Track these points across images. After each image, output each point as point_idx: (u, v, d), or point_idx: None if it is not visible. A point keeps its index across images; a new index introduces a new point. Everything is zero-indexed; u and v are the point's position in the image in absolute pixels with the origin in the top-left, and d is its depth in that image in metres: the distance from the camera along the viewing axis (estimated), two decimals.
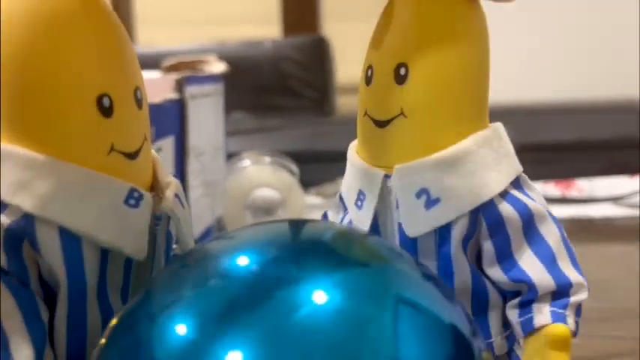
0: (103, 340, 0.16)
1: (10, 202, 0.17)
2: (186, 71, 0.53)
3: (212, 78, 0.53)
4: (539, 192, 0.20)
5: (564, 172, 0.67)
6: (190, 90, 0.47)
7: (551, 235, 0.19)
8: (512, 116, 0.78)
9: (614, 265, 0.46)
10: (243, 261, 0.16)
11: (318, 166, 0.61)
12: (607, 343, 0.32)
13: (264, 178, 0.50)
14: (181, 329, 0.15)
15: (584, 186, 0.64)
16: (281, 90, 1.12)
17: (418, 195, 0.19)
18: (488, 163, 0.19)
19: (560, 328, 0.18)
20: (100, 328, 0.18)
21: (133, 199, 0.18)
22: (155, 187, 0.20)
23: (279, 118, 0.90)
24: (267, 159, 0.52)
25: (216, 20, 1.67)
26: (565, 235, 0.20)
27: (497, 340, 0.20)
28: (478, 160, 0.19)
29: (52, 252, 0.17)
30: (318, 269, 0.16)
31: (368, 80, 0.20)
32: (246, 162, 0.51)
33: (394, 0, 0.20)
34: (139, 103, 0.19)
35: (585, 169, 0.68)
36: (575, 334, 0.19)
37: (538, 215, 0.19)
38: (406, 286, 0.16)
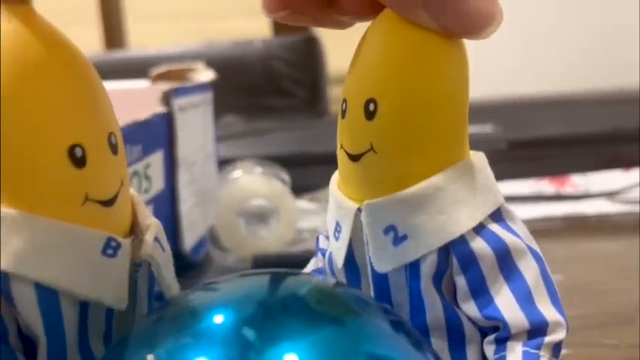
0: None
1: None
2: (175, 80, 0.52)
3: (201, 87, 0.53)
4: (521, 224, 0.20)
5: (558, 168, 0.67)
6: (178, 102, 0.46)
7: (529, 270, 0.19)
8: (503, 112, 0.78)
9: (607, 264, 0.46)
10: (218, 319, 0.16)
11: (311, 170, 0.60)
12: (598, 353, 0.31)
13: (256, 188, 0.49)
14: None
15: (579, 182, 0.64)
16: (272, 90, 1.11)
17: (386, 231, 0.19)
18: (460, 199, 0.19)
19: None
20: None
21: (110, 248, 0.18)
22: (135, 230, 0.19)
23: (271, 120, 0.89)
24: (259, 169, 0.51)
25: (205, 15, 1.66)
26: (547, 270, 0.20)
27: None
28: (447, 197, 0.19)
29: (28, 308, 0.17)
30: (293, 330, 0.15)
31: (343, 114, 0.20)
32: (238, 172, 0.51)
33: (367, 34, 0.20)
34: (113, 148, 0.18)
35: (579, 163, 0.68)
36: None
37: (515, 250, 0.19)
38: (377, 342, 0.16)
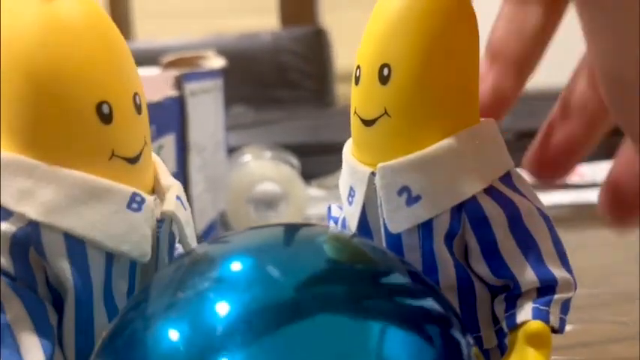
0: (100, 341, 0.17)
1: (15, 209, 0.17)
2: (185, 67, 0.53)
3: (211, 73, 0.53)
4: (530, 188, 0.21)
5: None
6: (190, 86, 0.47)
7: (539, 232, 0.20)
8: None
9: (614, 251, 0.46)
10: (238, 265, 0.17)
11: (320, 158, 0.61)
12: (608, 328, 0.32)
13: (266, 172, 0.50)
14: (174, 335, 0.15)
15: (586, 171, 0.64)
16: (280, 82, 1.12)
17: (400, 193, 0.20)
18: (472, 161, 0.19)
19: (536, 325, 0.19)
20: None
21: (135, 203, 0.18)
22: (157, 190, 0.20)
23: (279, 111, 0.90)
24: (268, 153, 0.52)
25: (214, 12, 1.67)
26: (556, 232, 0.20)
27: (486, 334, 0.20)
28: (460, 159, 0.19)
29: (58, 258, 0.18)
30: (313, 271, 0.16)
31: (357, 80, 0.21)
32: (248, 157, 0.52)
33: (380, 1, 0.20)
34: (138, 108, 0.19)
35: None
36: (559, 330, 0.19)
37: (525, 212, 0.20)
38: (396, 287, 0.17)
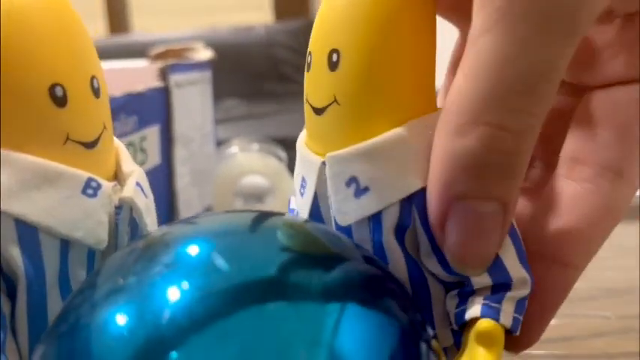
0: (48, 327, 0.16)
1: None
2: (173, 59, 0.52)
3: (199, 65, 0.53)
4: None
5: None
6: (175, 78, 0.46)
7: None
8: None
9: (608, 245, 0.46)
10: (193, 250, 0.16)
11: None
12: (591, 323, 0.32)
13: (253, 164, 0.50)
14: (118, 321, 0.14)
15: None
16: (273, 76, 1.12)
17: (348, 183, 0.19)
18: (423, 151, 0.18)
19: (485, 324, 0.18)
20: None
21: (90, 188, 0.18)
22: (118, 176, 0.20)
23: (271, 104, 0.90)
24: (256, 146, 0.52)
25: (208, 8, 1.67)
26: (515, 228, 0.19)
27: (442, 332, 0.19)
28: (410, 149, 0.18)
29: (8, 244, 0.17)
30: (265, 260, 0.15)
31: (308, 66, 0.20)
32: (235, 149, 0.51)
33: None
34: (95, 92, 0.19)
35: None
36: (512, 330, 0.18)
37: None
38: (349, 270, 0.16)
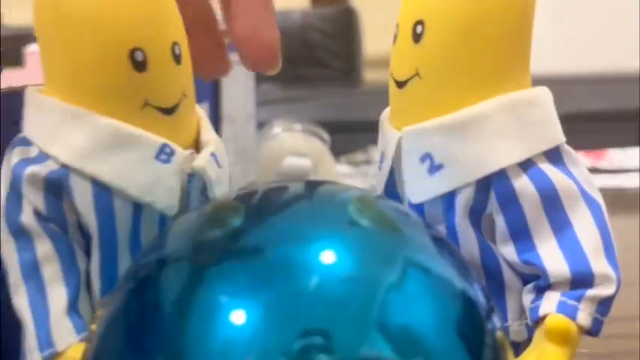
0: (118, 283, 0.17)
1: (49, 152, 0.18)
2: None
3: None
4: (584, 169, 0.18)
5: (596, 143, 0.66)
6: None
7: (580, 217, 0.17)
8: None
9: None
10: (254, 216, 0.16)
11: (346, 136, 0.61)
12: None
13: (296, 145, 0.50)
14: (184, 280, 0.14)
15: (616, 156, 0.64)
16: (309, 61, 1.12)
17: (422, 159, 0.18)
18: (507, 131, 0.18)
19: (558, 320, 0.17)
20: None
21: (164, 154, 0.18)
22: (198, 145, 0.20)
23: (306, 89, 0.90)
24: (298, 126, 0.52)
25: None
26: (605, 221, 0.18)
27: (514, 325, 0.18)
28: (492, 127, 0.17)
29: (84, 202, 0.18)
30: (329, 230, 0.15)
31: (394, 39, 0.19)
32: (277, 129, 0.52)
33: None
34: (176, 58, 0.19)
35: (617, 139, 0.67)
36: (592, 331, 0.17)
37: (566, 194, 0.17)
38: (416, 251, 0.15)
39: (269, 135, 0.51)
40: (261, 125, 0.56)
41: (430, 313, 0.14)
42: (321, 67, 1.12)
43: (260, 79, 0.61)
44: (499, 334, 0.16)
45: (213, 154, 0.19)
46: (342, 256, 0.14)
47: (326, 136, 0.51)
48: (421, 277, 0.15)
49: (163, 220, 0.19)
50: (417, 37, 0.18)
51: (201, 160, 0.19)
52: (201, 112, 0.21)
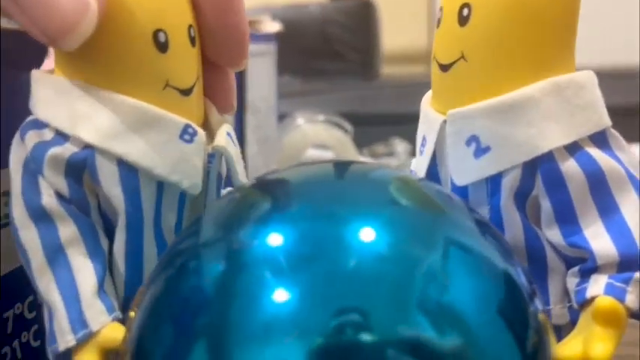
0: (152, 271, 0.17)
1: (71, 133, 0.17)
2: None
3: (266, 37, 0.54)
4: (629, 152, 0.18)
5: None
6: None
7: (627, 200, 0.17)
8: None
9: None
10: (294, 198, 0.16)
11: (364, 129, 0.61)
12: None
13: (319, 135, 0.50)
14: (226, 263, 0.14)
15: (637, 151, 0.63)
16: (327, 53, 1.12)
17: (468, 142, 0.18)
18: (554, 114, 0.17)
19: (606, 302, 0.16)
20: (156, 258, 0.19)
21: (187, 134, 0.18)
22: (206, 125, 0.20)
23: (324, 82, 0.90)
24: (321, 117, 0.52)
25: None
26: None
27: (557, 309, 0.18)
28: (539, 109, 0.17)
29: (111, 183, 0.18)
30: (368, 209, 0.15)
31: (438, 22, 0.19)
32: (300, 121, 0.52)
33: None
34: (192, 40, 0.19)
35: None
36: (638, 314, 0.17)
37: (613, 177, 0.17)
38: (458, 231, 0.15)
39: (292, 126, 0.52)
40: (280, 117, 0.57)
41: (471, 292, 0.14)
42: (339, 60, 1.12)
43: (279, 71, 0.61)
44: (541, 316, 0.15)
45: (229, 134, 0.20)
46: (382, 235, 0.14)
47: (349, 127, 0.52)
48: (462, 256, 0.15)
49: (183, 201, 0.19)
50: (463, 20, 0.18)
51: (222, 140, 0.19)
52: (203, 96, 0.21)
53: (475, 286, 0.14)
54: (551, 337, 0.16)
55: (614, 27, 1.20)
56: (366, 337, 0.12)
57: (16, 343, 0.21)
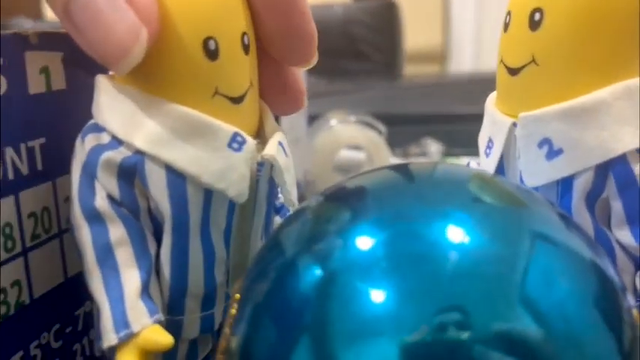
0: (242, 287, 0.17)
1: (124, 138, 0.18)
2: None
3: None
4: None
5: None
6: None
7: None
8: None
9: None
10: (372, 205, 0.16)
11: (393, 129, 0.61)
12: None
13: (352, 136, 0.51)
14: (322, 269, 0.14)
15: None
16: (351, 54, 1.12)
17: (540, 145, 0.18)
18: (627, 117, 0.18)
19: None
20: (202, 263, 0.19)
21: (236, 142, 0.18)
22: (260, 134, 0.20)
23: (349, 82, 0.91)
24: (353, 118, 0.53)
25: None
26: None
27: None
28: (612, 113, 0.18)
29: (158, 188, 0.18)
30: (455, 208, 0.15)
31: (505, 27, 0.20)
32: (333, 121, 0.52)
33: None
34: (245, 48, 0.19)
35: None
36: None
37: None
38: (545, 226, 0.15)
39: (325, 127, 0.52)
40: (310, 118, 0.57)
41: (569, 287, 0.14)
42: (363, 60, 1.12)
43: (305, 72, 0.62)
44: (635, 311, 0.15)
45: (280, 143, 0.20)
46: (472, 233, 0.14)
47: (382, 127, 0.52)
48: (554, 251, 0.15)
49: (232, 207, 0.19)
50: (534, 25, 0.18)
51: (272, 149, 0.19)
52: (263, 102, 0.21)
53: (572, 281, 0.14)
54: None
55: None
56: (468, 334, 0.13)
57: (85, 340, 0.22)
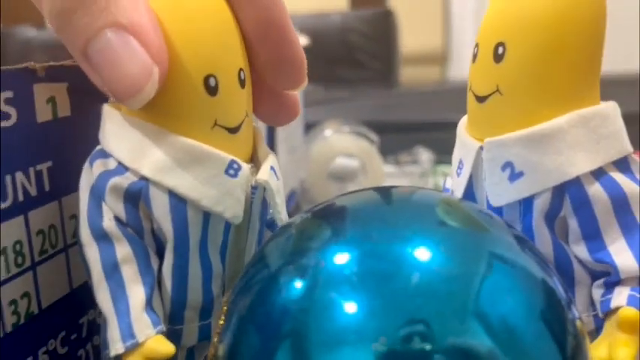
0: (229, 298, 0.18)
1: (130, 166, 0.19)
2: None
3: None
4: None
5: None
6: None
7: None
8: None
9: None
10: (350, 225, 0.17)
11: (387, 137, 0.63)
12: None
13: (346, 146, 0.52)
14: (302, 281, 0.16)
15: None
16: (348, 62, 1.14)
17: (503, 168, 0.20)
18: (581, 143, 0.19)
19: (630, 312, 0.18)
20: (200, 278, 0.21)
21: (232, 169, 0.20)
22: (254, 159, 0.22)
23: (346, 90, 0.92)
24: (347, 128, 0.54)
25: None
26: None
27: (583, 317, 0.20)
28: (567, 139, 0.19)
29: (162, 211, 0.19)
30: (421, 230, 0.16)
31: (474, 57, 0.21)
32: (328, 132, 0.54)
33: None
34: (242, 83, 0.20)
35: None
36: None
37: (634, 199, 0.19)
38: (502, 247, 0.17)
39: (320, 137, 0.53)
40: (307, 126, 0.59)
41: (519, 303, 0.15)
42: (360, 68, 1.14)
43: None
44: (579, 322, 0.17)
45: (272, 168, 0.21)
46: (437, 253, 0.16)
47: (374, 137, 0.53)
48: (508, 270, 0.16)
49: (228, 227, 0.21)
50: (498, 58, 0.20)
51: (264, 174, 0.21)
52: (258, 129, 0.22)
53: (522, 298, 0.16)
54: (587, 342, 0.17)
55: (614, 34, 1.20)
56: (430, 346, 0.14)
57: (89, 346, 0.24)
